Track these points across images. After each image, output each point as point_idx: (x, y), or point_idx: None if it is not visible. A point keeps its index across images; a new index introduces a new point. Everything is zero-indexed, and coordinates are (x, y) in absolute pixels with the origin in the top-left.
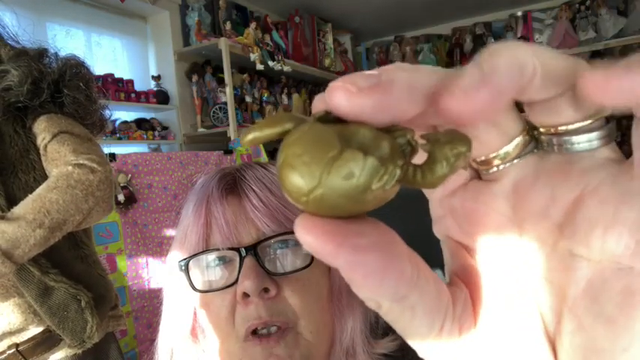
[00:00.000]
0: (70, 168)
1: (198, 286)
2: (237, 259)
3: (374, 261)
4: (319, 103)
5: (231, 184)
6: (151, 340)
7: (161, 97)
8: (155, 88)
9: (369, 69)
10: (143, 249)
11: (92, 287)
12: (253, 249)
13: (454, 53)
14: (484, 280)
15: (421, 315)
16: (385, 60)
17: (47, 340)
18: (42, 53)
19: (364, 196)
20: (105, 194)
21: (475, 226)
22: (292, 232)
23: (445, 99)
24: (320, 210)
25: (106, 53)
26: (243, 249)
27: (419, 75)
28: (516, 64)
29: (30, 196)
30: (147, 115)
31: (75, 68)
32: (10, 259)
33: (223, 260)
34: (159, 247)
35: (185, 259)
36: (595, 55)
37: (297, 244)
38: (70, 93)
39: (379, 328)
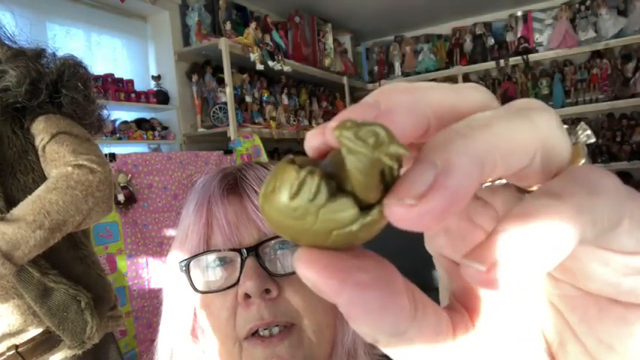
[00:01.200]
0: (69, 169)
1: (199, 287)
2: (238, 259)
3: (375, 298)
4: (313, 141)
5: (232, 184)
6: (151, 340)
7: (161, 97)
8: (155, 88)
9: (368, 69)
10: (143, 249)
11: (91, 288)
12: (255, 250)
13: (454, 53)
14: (485, 301)
15: (419, 346)
16: (385, 60)
17: (47, 341)
18: (40, 53)
19: (296, 213)
20: (105, 195)
21: (471, 246)
22: None
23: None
24: (287, 234)
25: (106, 53)
26: (244, 250)
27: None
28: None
29: (29, 197)
30: (147, 115)
31: (73, 68)
32: (11, 261)
33: (224, 261)
34: (159, 247)
35: (186, 259)
36: (595, 55)
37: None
38: (69, 93)
39: None
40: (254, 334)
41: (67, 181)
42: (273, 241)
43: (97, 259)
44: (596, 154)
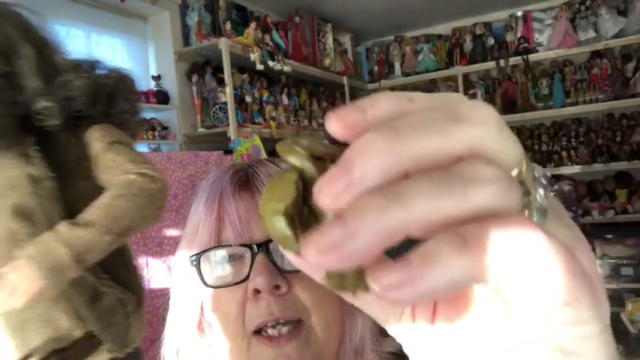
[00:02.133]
0: (131, 177)
1: (209, 282)
2: (249, 255)
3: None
4: (335, 125)
5: (244, 180)
6: (151, 340)
7: (161, 97)
8: (155, 88)
9: (368, 69)
10: (143, 249)
11: (134, 293)
12: (265, 246)
13: (454, 53)
14: None
15: (376, 309)
16: (385, 60)
17: (87, 346)
18: (95, 65)
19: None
20: (163, 203)
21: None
22: None
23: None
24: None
25: (106, 53)
26: (255, 245)
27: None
28: None
29: (96, 202)
30: (147, 115)
31: (127, 81)
32: (83, 264)
33: (234, 256)
34: (159, 247)
35: (197, 254)
36: (595, 55)
37: None
38: (122, 104)
39: None
40: (261, 332)
41: (131, 189)
42: None
43: (135, 266)
44: (596, 154)
